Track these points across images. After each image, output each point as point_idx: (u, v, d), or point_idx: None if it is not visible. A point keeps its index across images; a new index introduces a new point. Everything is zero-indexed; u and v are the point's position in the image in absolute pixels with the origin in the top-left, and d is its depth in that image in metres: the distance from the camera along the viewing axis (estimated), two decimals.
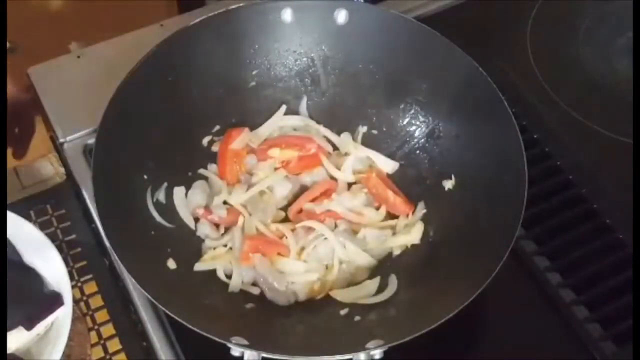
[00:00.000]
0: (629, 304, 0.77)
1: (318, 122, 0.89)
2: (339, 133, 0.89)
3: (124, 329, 0.77)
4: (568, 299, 0.79)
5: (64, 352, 0.69)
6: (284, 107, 0.89)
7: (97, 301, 0.79)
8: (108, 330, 0.77)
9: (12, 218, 0.75)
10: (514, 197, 0.72)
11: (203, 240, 0.81)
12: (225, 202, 0.82)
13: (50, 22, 1.41)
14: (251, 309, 0.76)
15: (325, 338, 0.72)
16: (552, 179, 0.87)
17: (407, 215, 0.83)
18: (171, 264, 0.76)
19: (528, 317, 0.79)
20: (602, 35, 1.03)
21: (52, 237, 0.76)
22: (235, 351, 0.64)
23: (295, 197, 0.84)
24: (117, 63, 0.79)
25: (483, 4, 1.04)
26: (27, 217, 0.78)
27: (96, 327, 0.78)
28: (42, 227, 0.78)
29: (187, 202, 0.82)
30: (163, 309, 0.67)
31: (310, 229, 0.79)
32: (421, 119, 0.86)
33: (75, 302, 0.72)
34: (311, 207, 0.82)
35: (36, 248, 0.75)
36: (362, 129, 0.89)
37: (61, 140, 0.88)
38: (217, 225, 0.81)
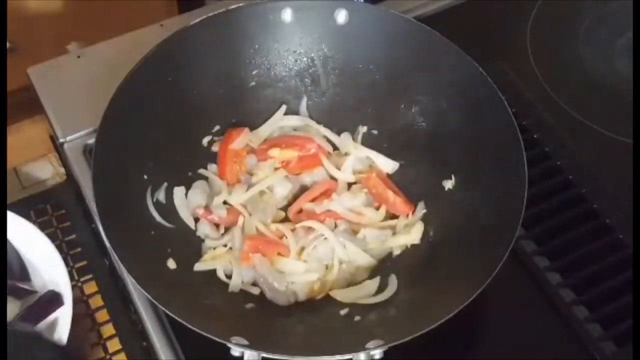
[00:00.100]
0: (629, 304, 0.77)
1: (318, 122, 0.89)
2: (339, 133, 0.89)
3: (124, 329, 0.77)
4: (568, 299, 0.79)
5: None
6: (284, 107, 0.89)
7: (97, 301, 0.79)
8: (108, 330, 0.77)
9: (12, 218, 0.76)
10: (514, 197, 0.72)
11: (203, 240, 0.81)
12: (225, 202, 0.82)
13: (50, 22, 1.40)
14: (251, 309, 0.76)
15: (325, 338, 0.72)
16: (552, 179, 0.87)
17: (407, 215, 0.83)
18: (171, 264, 0.76)
19: (528, 317, 0.79)
20: (602, 35, 1.03)
21: (52, 237, 0.76)
22: (235, 351, 0.64)
23: (295, 197, 0.84)
24: (117, 63, 0.79)
25: (483, 4, 1.04)
26: (27, 217, 0.78)
27: (96, 327, 0.78)
28: (42, 227, 0.77)
29: (187, 202, 0.82)
30: (163, 309, 0.67)
31: (310, 229, 0.79)
32: (421, 119, 0.86)
33: (75, 302, 0.72)
34: (311, 207, 0.82)
35: (36, 248, 0.75)
36: (362, 129, 0.89)
37: (61, 140, 0.88)
38: (217, 225, 0.82)
